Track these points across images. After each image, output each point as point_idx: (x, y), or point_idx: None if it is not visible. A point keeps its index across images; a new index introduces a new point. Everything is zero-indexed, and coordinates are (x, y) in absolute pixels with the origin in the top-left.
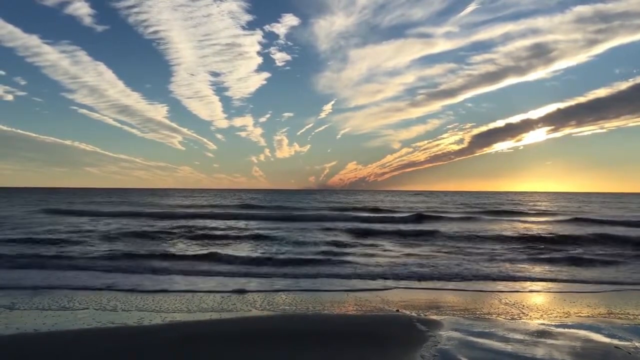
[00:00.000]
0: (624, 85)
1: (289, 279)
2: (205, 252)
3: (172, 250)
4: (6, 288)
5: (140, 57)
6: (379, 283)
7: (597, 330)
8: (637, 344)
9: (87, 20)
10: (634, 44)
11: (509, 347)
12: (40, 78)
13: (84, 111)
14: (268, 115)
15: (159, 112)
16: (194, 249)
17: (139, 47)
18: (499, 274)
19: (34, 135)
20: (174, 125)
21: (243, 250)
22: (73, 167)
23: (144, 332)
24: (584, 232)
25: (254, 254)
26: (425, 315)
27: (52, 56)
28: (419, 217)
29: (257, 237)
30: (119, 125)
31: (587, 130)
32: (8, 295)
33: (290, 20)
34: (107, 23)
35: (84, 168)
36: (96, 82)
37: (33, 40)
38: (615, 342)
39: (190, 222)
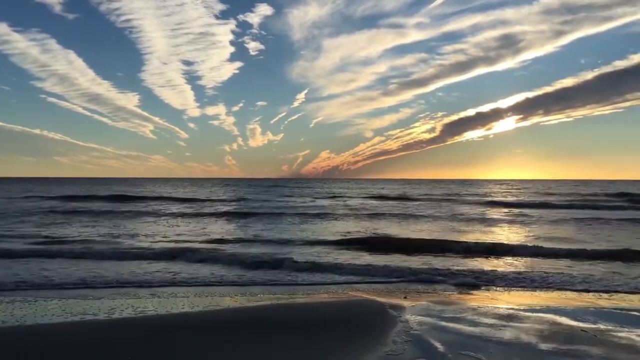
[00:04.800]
0: (589, 75)
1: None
2: None
3: None
4: None
5: (111, 46)
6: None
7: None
8: (602, 327)
9: (58, 8)
10: (599, 35)
11: (477, 330)
12: (8, 66)
13: (53, 100)
14: (241, 104)
15: (130, 100)
16: None
17: (110, 36)
18: None
19: (2, 124)
20: (145, 114)
21: None
22: (43, 157)
23: (116, 324)
24: None
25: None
26: (395, 302)
27: (21, 44)
28: None
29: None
30: (89, 114)
31: (555, 119)
32: None
33: (264, 9)
34: (78, 11)
35: (53, 158)
36: (66, 71)
37: (2, 27)
38: (581, 325)
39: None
